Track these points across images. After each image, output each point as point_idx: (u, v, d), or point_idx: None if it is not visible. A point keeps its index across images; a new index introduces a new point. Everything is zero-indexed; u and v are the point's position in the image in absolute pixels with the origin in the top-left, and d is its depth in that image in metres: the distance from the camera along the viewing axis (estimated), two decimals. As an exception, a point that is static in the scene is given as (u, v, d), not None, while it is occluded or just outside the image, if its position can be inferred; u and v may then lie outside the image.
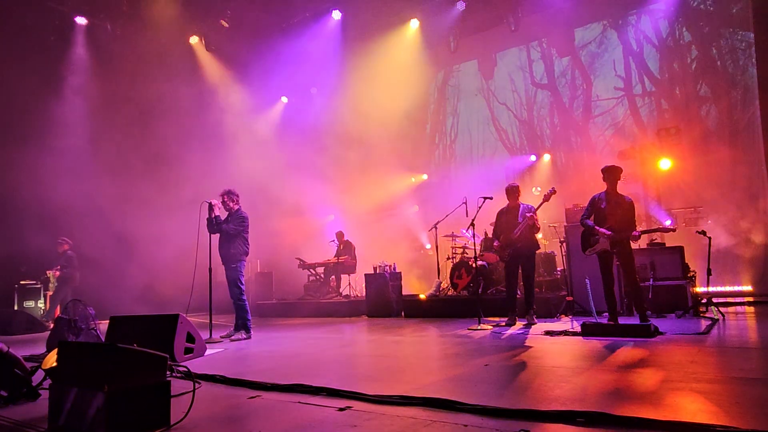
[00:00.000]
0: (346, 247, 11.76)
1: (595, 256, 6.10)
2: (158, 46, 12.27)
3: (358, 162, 13.53)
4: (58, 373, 3.06)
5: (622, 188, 6.18)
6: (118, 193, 11.19)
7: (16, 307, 10.36)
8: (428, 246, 13.29)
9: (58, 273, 10.27)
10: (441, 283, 10.01)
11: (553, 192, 6.76)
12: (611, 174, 6.01)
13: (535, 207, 6.99)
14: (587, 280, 6.19)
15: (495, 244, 7.19)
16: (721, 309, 7.00)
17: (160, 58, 12.13)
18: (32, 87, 10.72)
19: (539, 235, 7.45)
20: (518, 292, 7.41)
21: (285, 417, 2.92)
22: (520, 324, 6.92)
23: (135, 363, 2.75)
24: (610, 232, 5.84)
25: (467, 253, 9.99)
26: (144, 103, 11.72)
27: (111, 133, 11.78)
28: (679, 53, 11.44)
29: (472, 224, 7.24)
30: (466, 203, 8.66)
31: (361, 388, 3.33)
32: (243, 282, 7.04)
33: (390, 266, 10.03)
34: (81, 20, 11.61)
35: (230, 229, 6.92)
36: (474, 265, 7.90)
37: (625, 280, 6.52)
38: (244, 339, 6.77)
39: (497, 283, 8.82)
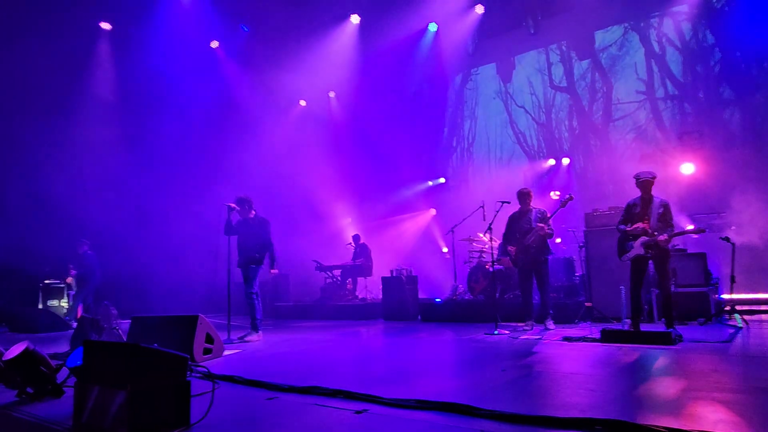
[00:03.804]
0: (362, 250, 11.79)
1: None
2: (179, 51, 12.49)
3: (375, 165, 13.58)
4: (83, 372, 3.11)
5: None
6: (141, 194, 11.40)
7: (40, 306, 10.60)
8: (445, 249, 13.26)
9: (74, 272, 10.49)
10: (458, 287, 9.98)
11: (569, 198, 6.68)
12: (644, 186, 5.91)
13: (550, 213, 6.90)
14: (622, 288, 6.07)
15: (509, 249, 7.10)
16: (745, 317, 6.85)
17: (181, 63, 12.34)
18: (57, 89, 10.99)
19: (558, 240, 7.37)
20: (535, 297, 7.34)
21: (302, 419, 2.94)
22: (537, 329, 6.86)
23: (157, 363, 2.79)
24: (644, 225, 5.74)
25: (484, 257, 9.93)
26: (163, 107, 11.92)
27: (133, 135, 12.01)
28: (702, 56, 11.25)
29: (490, 228, 7.20)
30: (483, 207, 8.64)
31: (377, 391, 3.33)
32: (257, 283, 7.06)
33: (407, 270, 10.03)
34: (105, 25, 11.91)
35: (260, 235, 6.98)
36: (491, 269, 7.85)
37: (659, 285, 6.36)
38: (256, 340, 6.80)
39: (515, 288, 8.74)
